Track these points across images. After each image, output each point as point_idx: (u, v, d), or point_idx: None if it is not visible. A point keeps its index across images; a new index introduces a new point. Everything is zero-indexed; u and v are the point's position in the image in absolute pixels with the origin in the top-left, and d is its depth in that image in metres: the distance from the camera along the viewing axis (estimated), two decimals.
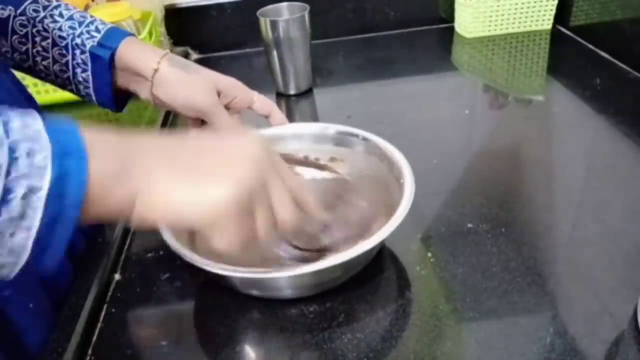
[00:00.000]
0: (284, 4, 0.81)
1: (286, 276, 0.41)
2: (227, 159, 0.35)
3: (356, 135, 0.54)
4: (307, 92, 0.84)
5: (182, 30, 0.99)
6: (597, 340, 0.40)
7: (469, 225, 0.52)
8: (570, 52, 0.90)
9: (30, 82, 0.76)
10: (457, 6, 0.98)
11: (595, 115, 0.71)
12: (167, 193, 0.32)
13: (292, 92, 0.83)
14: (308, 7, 0.78)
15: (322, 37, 1.01)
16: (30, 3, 0.51)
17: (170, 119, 0.79)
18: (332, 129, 0.56)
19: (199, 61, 1.00)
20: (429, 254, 0.49)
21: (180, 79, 0.51)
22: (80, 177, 0.29)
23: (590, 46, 0.88)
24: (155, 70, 0.51)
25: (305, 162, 0.57)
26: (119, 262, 0.52)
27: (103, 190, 0.30)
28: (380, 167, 0.52)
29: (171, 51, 0.98)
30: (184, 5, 0.98)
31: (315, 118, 0.79)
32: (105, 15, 0.80)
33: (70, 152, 0.29)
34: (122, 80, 0.53)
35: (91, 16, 0.53)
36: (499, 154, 0.65)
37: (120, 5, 0.84)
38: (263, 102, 0.56)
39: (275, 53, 0.79)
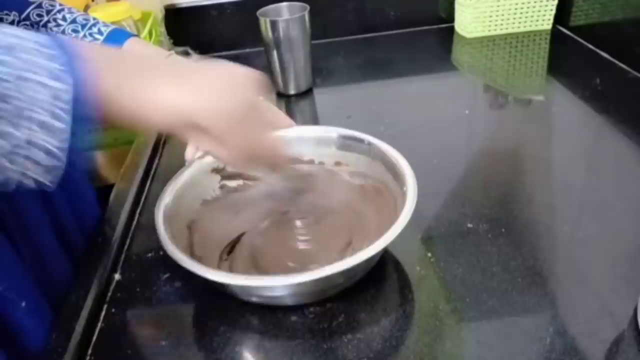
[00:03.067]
0: (284, 4, 0.81)
1: (286, 284, 0.41)
2: (229, 77, 0.38)
3: (361, 140, 0.53)
4: (307, 92, 0.84)
5: (182, 30, 0.99)
6: (597, 340, 0.40)
7: (469, 225, 0.52)
8: (570, 52, 0.90)
9: None
10: (457, 6, 0.98)
11: (595, 115, 0.71)
12: (166, 93, 0.34)
13: (292, 92, 0.83)
14: (308, 7, 0.78)
15: (322, 37, 1.01)
16: (34, 8, 0.51)
17: None
18: (336, 132, 0.55)
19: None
20: (429, 254, 0.49)
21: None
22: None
23: (590, 46, 0.88)
24: None
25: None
26: (119, 262, 0.52)
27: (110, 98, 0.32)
28: (383, 173, 0.51)
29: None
30: (184, 5, 0.98)
31: (315, 118, 0.79)
32: (105, 15, 0.80)
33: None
34: None
35: (94, 19, 0.53)
36: (499, 154, 0.65)
37: (120, 5, 0.84)
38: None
39: (275, 53, 0.79)
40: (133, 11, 0.85)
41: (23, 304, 0.42)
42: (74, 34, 0.52)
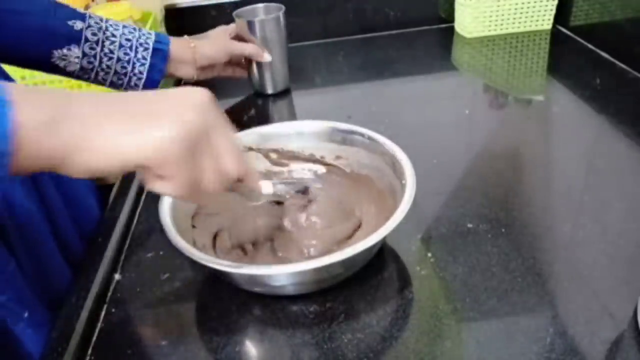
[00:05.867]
0: (261, 4, 0.82)
1: (286, 272, 0.42)
2: (170, 105, 0.35)
3: (361, 134, 0.54)
4: (285, 92, 0.84)
5: (182, 30, 0.99)
6: (597, 341, 0.40)
7: (469, 225, 0.52)
8: (570, 52, 0.90)
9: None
10: (457, 6, 0.98)
11: (595, 115, 0.71)
12: (106, 138, 0.32)
13: (269, 91, 0.83)
14: (283, 7, 0.79)
15: (322, 37, 1.01)
16: (89, 17, 0.63)
17: None
18: (336, 127, 0.56)
19: None
20: (429, 254, 0.49)
21: (207, 45, 0.72)
22: (3, 125, 0.28)
23: (590, 46, 0.88)
24: (193, 49, 0.71)
25: (311, 160, 0.57)
26: (119, 262, 0.52)
27: (32, 139, 0.30)
28: (382, 166, 0.52)
29: None
30: (184, 5, 0.98)
31: (293, 118, 0.79)
32: (105, 15, 0.80)
33: None
34: (172, 70, 0.70)
35: (133, 25, 0.67)
36: (499, 154, 0.65)
37: (120, 5, 0.84)
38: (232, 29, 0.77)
39: None
40: (133, 11, 0.85)
41: (26, 314, 0.42)
42: (130, 34, 0.65)
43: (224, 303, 0.46)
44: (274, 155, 0.57)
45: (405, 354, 0.40)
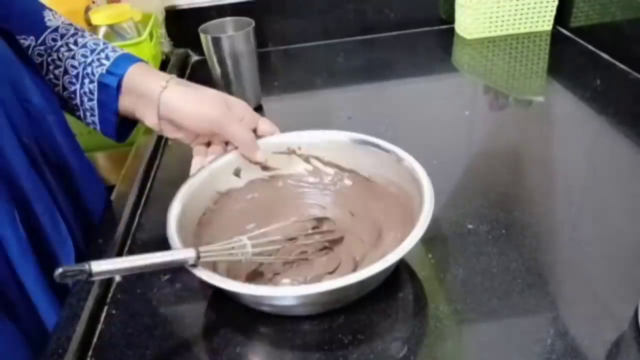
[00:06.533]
0: (229, 18, 0.78)
1: (294, 295, 0.41)
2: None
3: (377, 145, 0.53)
4: (285, 92, 0.83)
5: (182, 32, 0.99)
6: (598, 341, 0.40)
7: (469, 226, 0.52)
8: (571, 53, 0.90)
9: None
10: (457, 7, 0.98)
11: (595, 116, 0.71)
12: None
13: None
14: (253, 22, 0.74)
15: (323, 38, 1.01)
16: (51, 32, 0.52)
17: None
18: (354, 137, 0.54)
19: (199, 63, 1.00)
20: (429, 255, 0.49)
21: (188, 93, 0.53)
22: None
23: (591, 47, 0.88)
24: (164, 88, 0.51)
25: (329, 164, 0.56)
26: None
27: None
28: (398, 177, 0.51)
29: (172, 53, 1.00)
30: (184, 7, 0.98)
31: (292, 117, 0.78)
32: (105, 17, 0.80)
33: None
34: (129, 105, 0.54)
35: (104, 43, 0.54)
36: (499, 155, 0.65)
37: (120, 6, 0.84)
38: (269, 125, 0.56)
39: (219, 69, 0.75)
40: (133, 13, 0.85)
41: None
42: (82, 59, 0.53)
43: (225, 304, 0.46)
44: (315, 162, 0.56)
45: (406, 355, 0.40)
